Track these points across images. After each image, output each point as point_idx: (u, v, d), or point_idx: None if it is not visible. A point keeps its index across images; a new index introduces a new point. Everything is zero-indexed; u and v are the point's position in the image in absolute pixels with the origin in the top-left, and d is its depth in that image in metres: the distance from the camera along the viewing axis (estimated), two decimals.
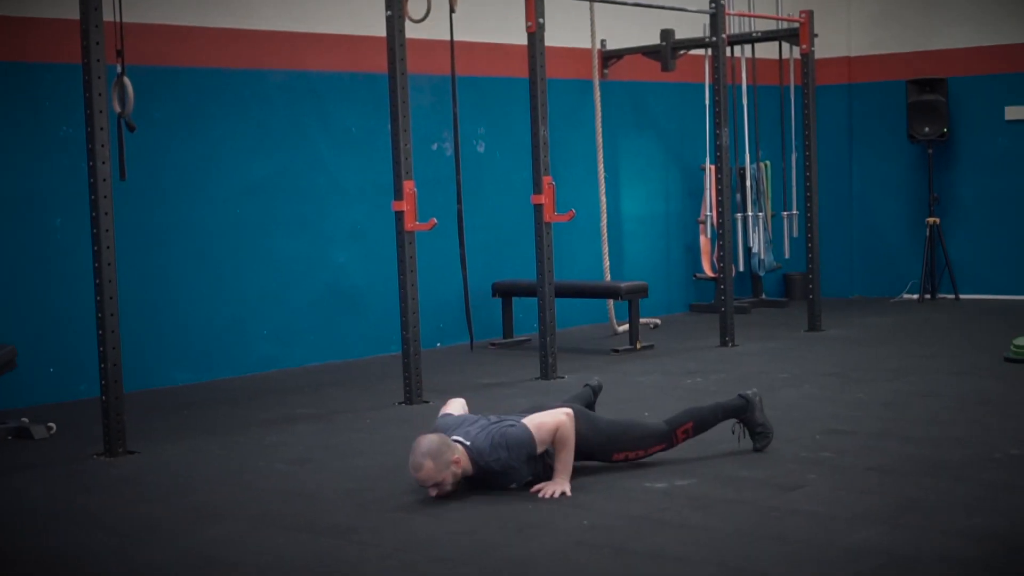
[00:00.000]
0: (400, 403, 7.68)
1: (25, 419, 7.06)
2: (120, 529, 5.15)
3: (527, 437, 5.38)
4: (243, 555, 4.75)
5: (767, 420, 6.05)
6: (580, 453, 5.56)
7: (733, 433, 6.04)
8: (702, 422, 5.93)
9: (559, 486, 5.37)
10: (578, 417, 5.55)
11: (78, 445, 6.69)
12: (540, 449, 5.41)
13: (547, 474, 5.48)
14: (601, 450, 5.70)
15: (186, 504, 5.49)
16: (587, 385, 6.35)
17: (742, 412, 6.02)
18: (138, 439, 6.66)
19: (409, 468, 5.32)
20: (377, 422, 7.20)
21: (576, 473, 5.52)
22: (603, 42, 11.31)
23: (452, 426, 5.52)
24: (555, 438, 5.40)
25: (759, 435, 6.02)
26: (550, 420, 5.42)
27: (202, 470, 6.14)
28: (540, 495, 5.34)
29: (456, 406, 5.79)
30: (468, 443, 5.40)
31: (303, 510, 5.33)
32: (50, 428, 7.03)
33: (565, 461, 5.43)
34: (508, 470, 5.41)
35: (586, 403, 6.14)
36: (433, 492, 5.34)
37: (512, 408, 6.65)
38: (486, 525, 4.99)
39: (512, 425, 5.43)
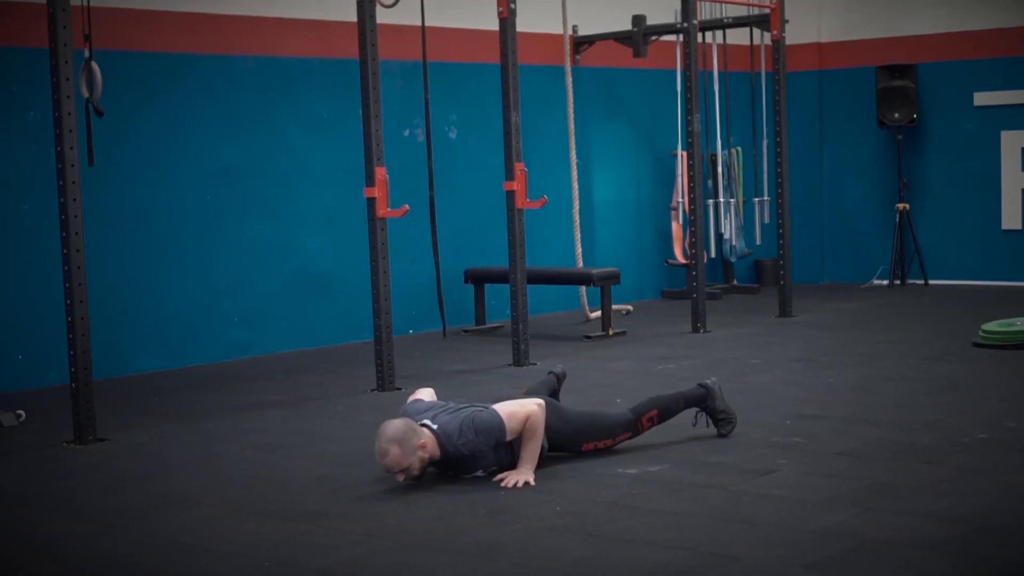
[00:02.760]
0: (372, 390, 7.67)
1: None
2: (90, 516, 5.13)
3: (497, 422, 5.37)
4: (213, 541, 4.74)
5: (728, 407, 6.08)
6: (550, 444, 5.57)
7: (694, 425, 6.05)
8: (666, 410, 5.94)
9: (523, 475, 5.35)
10: (547, 408, 5.56)
11: (48, 432, 6.65)
12: (510, 437, 5.39)
13: (514, 464, 5.46)
14: (569, 441, 5.70)
15: (156, 490, 5.47)
16: (551, 372, 6.35)
17: (703, 401, 6.04)
18: (108, 426, 6.63)
19: (376, 455, 5.29)
20: (349, 409, 7.19)
21: (547, 460, 5.53)
22: (575, 28, 11.30)
23: (420, 411, 5.49)
24: (525, 427, 5.39)
25: (722, 422, 6.05)
26: (521, 409, 5.40)
27: (172, 457, 6.12)
28: (503, 484, 5.31)
29: (425, 394, 5.79)
30: (435, 427, 5.37)
31: (274, 496, 5.32)
32: (19, 415, 6.98)
33: (531, 451, 5.41)
34: (476, 454, 5.37)
35: (550, 391, 6.17)
36: (400, 478, 5.31)
37: (485, 395, 6.66)
38: (457, 511, 5.00)
39: (482, 410, 5.42)
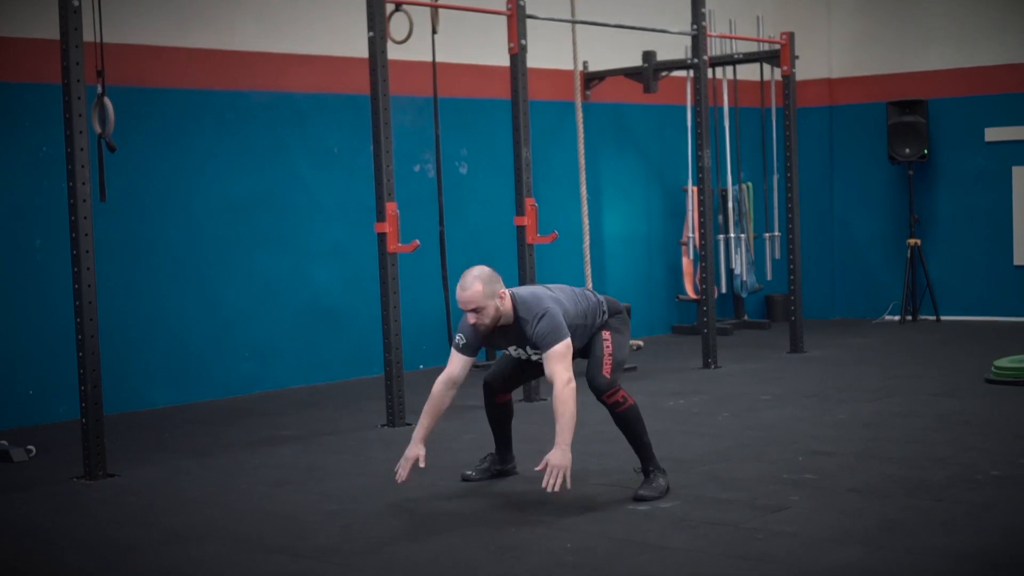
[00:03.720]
0: (383, 425, 7.66)
1: (4, 441, 7.02)
2: (100, 552, 5.12)
3: (549, 342, 5.49)
4: None
5: (654, 496, 5.64)
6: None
7: (636, 470, 5.79)
8: (638, 423, 5.71)
9: (560, 461, 5.33)
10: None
11: (58, 468, 6.64)
12: (545, 359, 5.50)
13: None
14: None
15: (166, 526, 5.46)
16: None
17: (645, 469, 5.73)
18: (118, 461, 6.63)
19: (457, 289, 5.54)
20: (359, 444, 7.18)
21: (558, 494, 5.49)
22: (585, 63, 11.34)
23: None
24: (554, 394, 5.41)
25: (646, 486, 5.68)
26: (563, 370, 5.45)
27: (182, 492, 6.11)
28: (544, 486, 5.31)
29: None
30: (516, 294, 5.63)
31: (284, 532, 5.30)
32: (30, 451, 6.98)
33: (564, 428, 5.38)
34: (531, 335, 5.55)
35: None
36: (472, 319, 5.54)
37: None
38: (468, 547, 4.98)
39: (554, 326, 5.51)
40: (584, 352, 5.84)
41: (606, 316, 5.87)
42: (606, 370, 5.71)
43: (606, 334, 5.81)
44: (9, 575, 4.87)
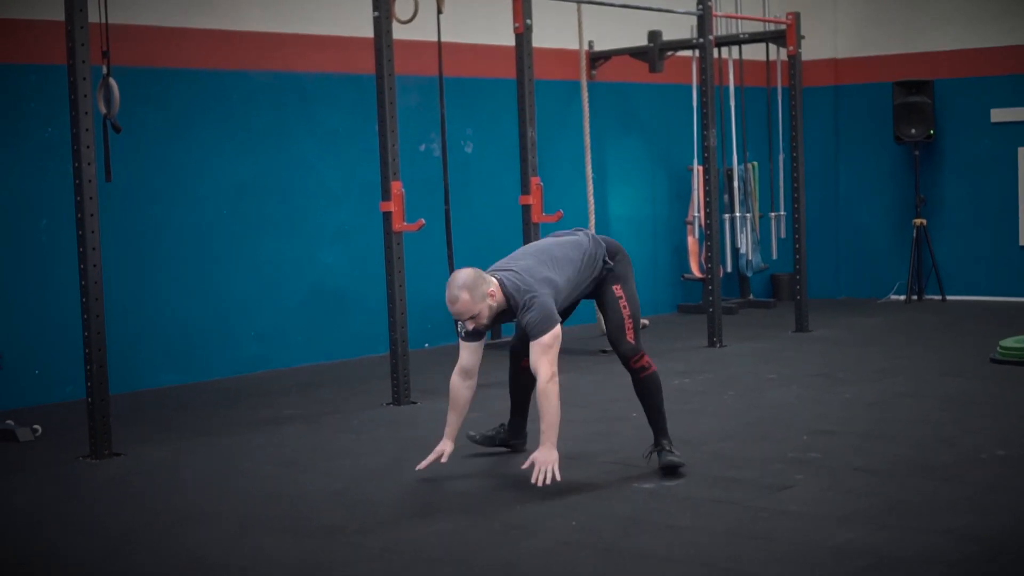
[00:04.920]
0: (388, 404, 7.67)
1: (10, 421, 7.03)
2: (106, 532, 5.13)
3: (536, 332, 5.39)
4: (230, 557, 4.74)
5: (674, 464, 5.66)
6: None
7: (645, 456, 5.79)
8: (658, 392, 5.78)
9: (547, 460, 5.32)
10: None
11: (63, 447, 6.66)
12: (532, 341, 5.42)
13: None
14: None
15: (172, 506, 5.48)
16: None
17: (659, 440, 5.75)
18: (124, 441, 6.64)
19: (447, 302, 5.46)
20: (364, 423, 7.19)
21: (563, 473, 5.50)
22: (591, 43, 11.31)
23: (498, 266, 5.66)
24: (537, 387, 5.39)
25: (666, 456, 5.68)
26: (547, 364, 5.37)
27: (188, 472, 6.12)
28: (533, 480, 5.31)
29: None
30: (504, 281, 5.50)
31: (290, 512, 5.32)
32: (35, 430, 7.00)
33: (549, 424, 5.36)
34: (522, 323, 5.52)
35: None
36: (470, 325, 5.50)
37: (503, 411, 6.64)
38: (474, 526, 4.99)
39: (541, 314, 5.41)
40: (595, 297, 5.80)
41: (609, 261, 5.82)
42: (629, 335, 5.69)
43: (618, 289, 5.72)
44: (13, 556, 4.89)
